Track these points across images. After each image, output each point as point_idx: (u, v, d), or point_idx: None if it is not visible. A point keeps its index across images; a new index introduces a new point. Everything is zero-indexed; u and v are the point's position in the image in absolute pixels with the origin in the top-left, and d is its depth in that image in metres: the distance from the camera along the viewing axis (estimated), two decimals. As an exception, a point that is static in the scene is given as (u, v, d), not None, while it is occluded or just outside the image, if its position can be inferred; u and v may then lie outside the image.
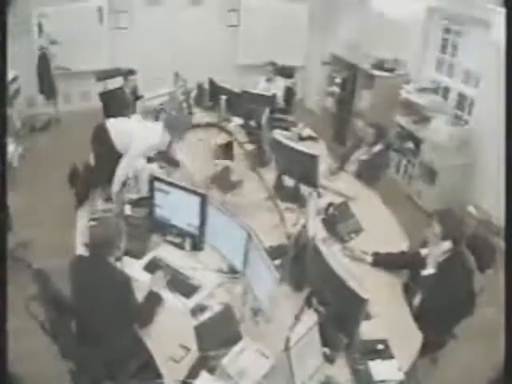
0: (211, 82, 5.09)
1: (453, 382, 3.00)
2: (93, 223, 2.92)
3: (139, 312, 2.34)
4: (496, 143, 4.04)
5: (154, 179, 2.88)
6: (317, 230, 2.60)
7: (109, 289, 2.25)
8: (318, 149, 4.40)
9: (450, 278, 2.48)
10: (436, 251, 2.59)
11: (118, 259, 2.47)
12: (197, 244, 2.85)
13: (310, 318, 2.10)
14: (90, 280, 2.29)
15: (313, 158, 3.30)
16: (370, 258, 2.82)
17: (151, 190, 2.89)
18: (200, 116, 4.92)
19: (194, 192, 2.73)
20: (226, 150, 3.97)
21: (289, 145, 3.50)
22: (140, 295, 2.39)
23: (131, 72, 4.98)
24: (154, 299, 2.41)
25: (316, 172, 3.32)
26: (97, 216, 3.02)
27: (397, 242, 3.05)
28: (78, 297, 2.35)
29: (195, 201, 2.71)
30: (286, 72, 5.85)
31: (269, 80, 5.42)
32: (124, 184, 3.31)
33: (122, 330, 2.28)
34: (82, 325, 2.39)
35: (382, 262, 2.80)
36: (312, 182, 3.37)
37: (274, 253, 2.72)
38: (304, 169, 3.38)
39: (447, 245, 2.54)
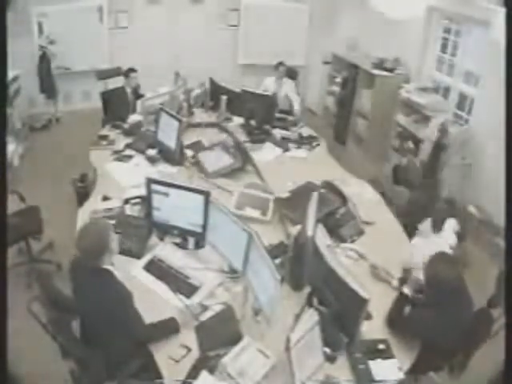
0: (212, 82, 5.09)
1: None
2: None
3: (149, 332, 2.25)
4: (496, 143, 4.04)
5: (151, 182, 2.80)
6: (320, 232, 2.57)
7: (107, 298, 2.18)
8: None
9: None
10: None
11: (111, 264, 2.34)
12: (200, 242, 2.84)
13: (311, 318, 2.10)
14: (88, 285, 2.23)
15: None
16: (395, 282, 2.66)
17: (148, 193, 2.82)
18: (200, 115, 4.92)
19: (197, 190, 2.71)
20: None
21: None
22: (139, 295, 2.33)
23: (132, 70, 4.97)
24: (171, 325, 2.30)
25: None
26: (98, 216, 3.01)
27: (397, 243, 3.06)
28: (78, 299, 2.32)
29: (198, 199, 2.68)
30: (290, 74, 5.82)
31: (279, 80, 5.40)
32: None
33: (122, 333, 2.27)
34: (82, 326, 2.38)
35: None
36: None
37: (274, 251, 2.73)
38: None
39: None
